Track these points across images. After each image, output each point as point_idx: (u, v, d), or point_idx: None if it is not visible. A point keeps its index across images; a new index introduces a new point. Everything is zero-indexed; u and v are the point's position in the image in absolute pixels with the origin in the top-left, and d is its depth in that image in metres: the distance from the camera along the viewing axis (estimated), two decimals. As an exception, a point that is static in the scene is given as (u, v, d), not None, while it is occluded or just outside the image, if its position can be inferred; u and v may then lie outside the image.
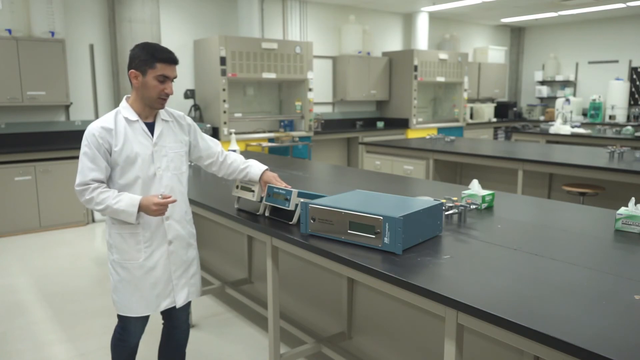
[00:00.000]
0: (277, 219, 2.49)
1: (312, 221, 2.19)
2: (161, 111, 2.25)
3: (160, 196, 2.09)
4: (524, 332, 1.36)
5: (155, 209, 2.07)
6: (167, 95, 2.15)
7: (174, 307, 2.31)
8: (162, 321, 2.47)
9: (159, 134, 2.21)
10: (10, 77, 5.64)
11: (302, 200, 2.29)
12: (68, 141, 6.35)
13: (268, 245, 2.48)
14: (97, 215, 6.29)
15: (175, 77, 2.18)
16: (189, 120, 2.40)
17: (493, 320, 1.43)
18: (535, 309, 1.45)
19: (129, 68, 2.14)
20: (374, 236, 1.98)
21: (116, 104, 6.68)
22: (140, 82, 2.13)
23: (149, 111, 2.21)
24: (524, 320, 1.37)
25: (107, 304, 3.83)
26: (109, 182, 2.16)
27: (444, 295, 1.56)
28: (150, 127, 2.21)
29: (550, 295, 1.55)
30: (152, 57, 2.10)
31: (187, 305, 2.43)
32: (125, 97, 2.24)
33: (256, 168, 2.54)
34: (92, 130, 2.11)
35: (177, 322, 2.44)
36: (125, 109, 2.18)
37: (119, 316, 2.31)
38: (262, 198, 2.55)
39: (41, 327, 3.46)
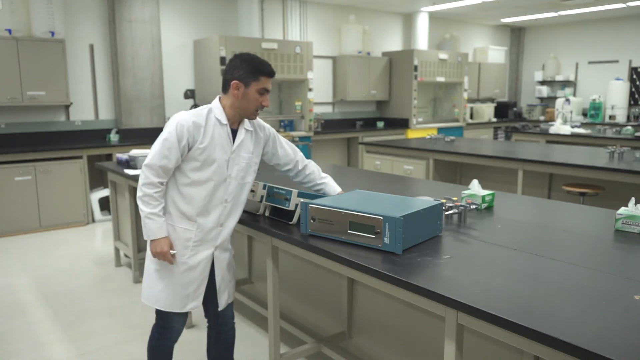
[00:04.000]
0: (277, 219, 2.49)
1: (312, 221, 2.19)
2: (252, 120, 2.31)
3: (172, 251, 2.17)
4: (524, 332, 1.35)
5: (156, 257, 2.18)
6: (263, 107, 2.22)
7: (218, 308, 2.35)
8: (207, 324, 2.50)
9: (240, 143, 2.25)
10: (10, 77, 5.64)
11: (302, 200, 2.30)
12: (68, 141, 6.35)
13: (268, 245, 2.49)
14: (97, 215, 6.29)
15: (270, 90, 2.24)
16: (269, 129, 2.43)
17: (493, 320, 1.43)
18: (535, 309, 1.45)
19: (230, 78, 2.18)
20: (374, 236, 1.98)
21: (116, 104, 6.68)
22: (241, 93, 2.17)
23: (238, 119, 2.25)
24: (524, 320, 1.37)
25: (107, 304, 3.83)
26: (179, 174, 2.17)
27: (444, 295, 1.56)
28: (233, 133, 2.25)
29: (550, 295, 1.55)
30: (257, 71, 2.16)
31: (231, 304, 2.46)
32: (218, 97, 2.25)
33: (332, 187, 2.58)
34: (183, 122, 2.12)
35: (223, 321, 2.47)
36: (219, 110, 2.21)
37: (159, 314, 2.33)
38: (262, 198, 2.55)
39: (41, 327, 3.46)
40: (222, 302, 2.36)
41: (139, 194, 2.16)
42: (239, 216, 2.38)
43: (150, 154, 2.14)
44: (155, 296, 2.25)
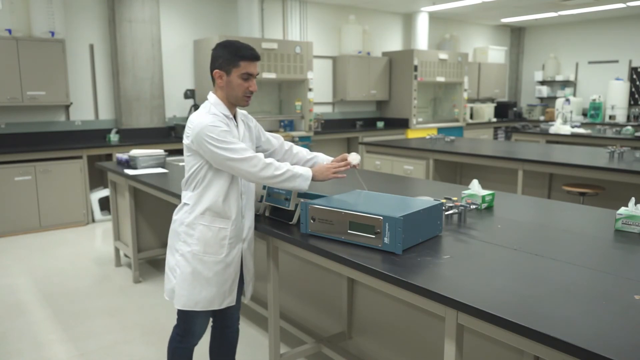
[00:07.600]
0: (277, 219, 2.49)
1: (312, 221, 2.19)
2: (238, 110, 2.30)
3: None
4: (524, 332, 1.36)
5: (332, 174, 2.29)
6: (252, 92, 2.19)
7: (229, 306, 2.32)
8: (212, 323, 2.48)
9: (243, 133, 2.26)
10: (10, 77, 5.63)
11: (302, 200, 2.30)
12: (68, 141, 6.35)
13: (268, 245, 2.49)
14: (97, 215, 6.29)
15: (257, 74, 2.19)
16: (254, 120, 2.44)
17: (493, 320, 1.43)
18: (535, 309, 1.45)
19: (212, 68, 2.17)
20: (374, 236, 1.98)
21: (116, 104, 6.68)
22: (225, 82, 2.16)
23: (232, 109, 2.24)
24: (524, 320, 1.37)
25: (107, 304, 3.83)
26: (202, 164, 2.16)
27: (444, 295, 1.56)
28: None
29: (550, 295, 1.55)
30: (236, 56, 2.12)
31: (240, 304, 2.46)
32: (210, 94, 2.23)
33: (322, 158, 2.57)
34: (213, 122, 2.10)
35: (230, 322, 2.47)
36: (220, 105, 2.19)
37: (182, 318, 2.29)
38: (262, 198, 2.55)
39: (41, 327, 3.46)
40: (249, 293, 2.40)
41: (266, 181, 2.15)
42: (253, 208, 2.39)
43: (223, 151, 2.07)
44: (194, 299, 2.19)
